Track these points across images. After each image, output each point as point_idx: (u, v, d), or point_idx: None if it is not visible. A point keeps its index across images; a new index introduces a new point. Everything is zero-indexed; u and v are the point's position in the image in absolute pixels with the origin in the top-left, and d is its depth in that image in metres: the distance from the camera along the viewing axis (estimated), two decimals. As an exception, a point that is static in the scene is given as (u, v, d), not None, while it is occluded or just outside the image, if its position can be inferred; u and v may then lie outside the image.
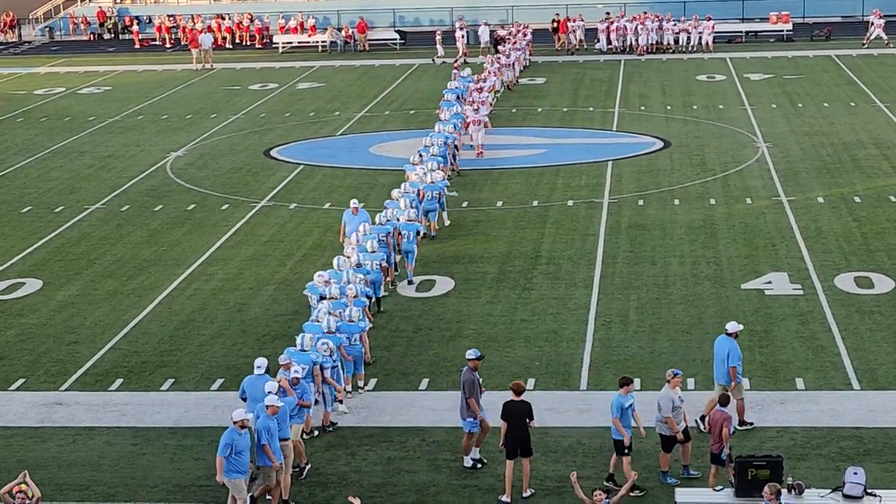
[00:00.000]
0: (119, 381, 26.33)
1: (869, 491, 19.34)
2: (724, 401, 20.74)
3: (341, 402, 24.41)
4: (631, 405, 20.98)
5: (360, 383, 25.33)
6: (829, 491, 19.55)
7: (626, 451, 20.90)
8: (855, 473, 19.43)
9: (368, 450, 22.82)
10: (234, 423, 19.96)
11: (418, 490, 21.25)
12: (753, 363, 25.76)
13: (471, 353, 22.28)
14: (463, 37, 67.74)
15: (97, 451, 23.24)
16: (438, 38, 69.65)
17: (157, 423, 24.29)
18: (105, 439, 23.70)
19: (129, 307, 30.87)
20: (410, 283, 31.75)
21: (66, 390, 26.05)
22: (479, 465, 21.95)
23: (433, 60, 68.18)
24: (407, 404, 24.70)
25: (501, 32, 66.77)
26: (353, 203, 32.28)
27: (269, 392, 21.16)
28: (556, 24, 71.58)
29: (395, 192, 34.11)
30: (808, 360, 26.00)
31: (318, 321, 24.89)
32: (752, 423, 23.11)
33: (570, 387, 25.23)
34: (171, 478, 22.05)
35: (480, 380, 22.24)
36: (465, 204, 38.55)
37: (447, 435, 23.23)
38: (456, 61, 63.41)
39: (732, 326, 23.40)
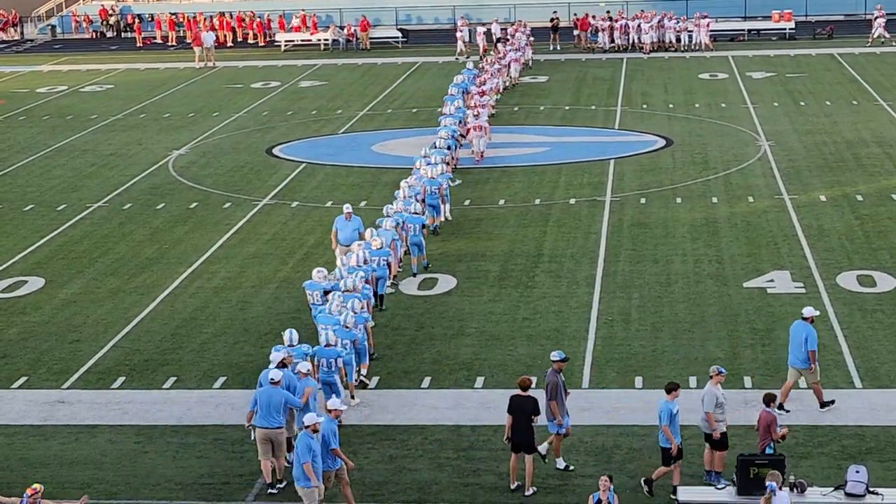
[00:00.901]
0: (121, 380, 26.36)
1: (871, 489, 19.37)
2: (768, 400, 20.64)
3: (353, 396, 24.53)
4: (678, 411, 20.81)
5: (364, 372, 25.44)
6: (832, 489, 19.57)
7: (673, 460, 20.66)
8: (857, 472, 19.45)
9: (371, 448, 22.83)
10: (307, 427, 19.66)
11: (420, 488, 21.27)
12: (755, 361, 25.79)
13: (555, 355, 21.86)
14: (485, 33, 67.54)
15: (99, 449, 23.26)
16: (459, 34, 69.33)
17: (160, 422, 24.31)
18: (107, 437, 23.72)
19: (131, 305, 30.90)
20: (426, 268, 32.21)
21: (68, 388, 26.07)
22: (545, 461, 21.67)
23: (457, 58, 67.81)
24: (409, 402, 24.71)
25: (510, 31, 66.30)
26: (347, 208, 31.65)
27: (272, 379, 21.42)
28: (555, 23, 71.45)
29: (403, 183, 34.30)
30: (811, 358, 25.97)
31: (332, 313, 25.13)
32: (833, 401, 23.56)
33: (572, 385, 25.15)
34: (173, 476, 22.07)
35: (564, 381, 21.87)
36: (467, 202, 38.56)
37: (449, 433, 23.26)
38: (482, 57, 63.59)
39: (809, 311, 23.74)
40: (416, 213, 32.43)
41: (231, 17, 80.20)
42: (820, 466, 21.31)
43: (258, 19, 79.64)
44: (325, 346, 23.84)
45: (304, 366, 22.45)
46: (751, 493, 19.36)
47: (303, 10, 78.42)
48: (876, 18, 68.21)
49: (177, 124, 53.50)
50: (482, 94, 48.19)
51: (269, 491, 21.50)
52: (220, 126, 52.70)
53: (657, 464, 21.53)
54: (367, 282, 27.45)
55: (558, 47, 70.76)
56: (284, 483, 21.63)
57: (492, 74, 53.28)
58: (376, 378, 25.75)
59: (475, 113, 44.19)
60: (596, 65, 65.37)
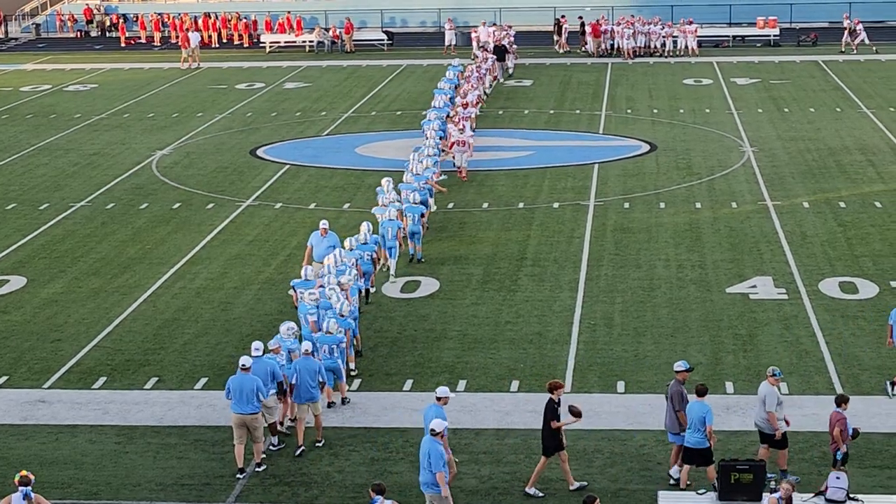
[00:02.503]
0: (102, 379, 26.28)
1: (851, 496, 19.39)
2: (839, 402, 20.72)
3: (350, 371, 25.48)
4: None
5: (352, 365, 25.76)
6: (812, 495, 19.59)
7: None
8: (837, 478, 19.48)
9: (352, 450, 22.81)
10: (436, 433, 19.59)
11: (401, 490, 21.22)
12: (737, 367, 25.81)
13: (679, 365, 21.56)
14: (497, 32, 67.12)
15: (80, 449, 23.19)
16: (475, 35, 68.89)
17: (141, 422, 24.24)
18: (88, 437, 23.65)
19: (113, 305, 30.82)
20: (420, 261, 32.89)
21: (49, 388, 25.98)
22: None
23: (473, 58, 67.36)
24: (391, 405, 24.69)
25: (504, 42, 63.91)
26: (323, 224, 30.47)
27: (243, 366, 22.01)
28: (558, 26, 71.33)
29: (407, 176, 35.35)
30: (792, 364, 26.04)
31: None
32: None
33: (554, 389, 25.21)
34: (153, 476, 22.01)
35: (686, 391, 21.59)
36: (450, 205, 38.53)
37: (431, 436, 23.22)
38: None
39: None
40: (415, 204, 33.13)
41: (216, 18, 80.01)
42: (801, 472, 21.31)
43: (244, 20, 79.51)
44: (326, 333, 24.39)
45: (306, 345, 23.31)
46: (732, 499, 19.36)
47: (288, 11, 78.35)
48: (852, 29, 68.44)
49: (160, 124, 53.39)
50: (465, 106, 46.27)
51: (238, 476, 21.88)
52: (203, 127, 52.61)
53: (639, 468, 21.57)
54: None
55: (567, 49, 70.22)
56: (264, 467, 22.08)
57: (473, 86, 51.51)
58: (358, 380, 25.72)
59: (459, 127, 42.19)
60: (581, 69, 65.41)
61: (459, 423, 23.72)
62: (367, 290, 29.91)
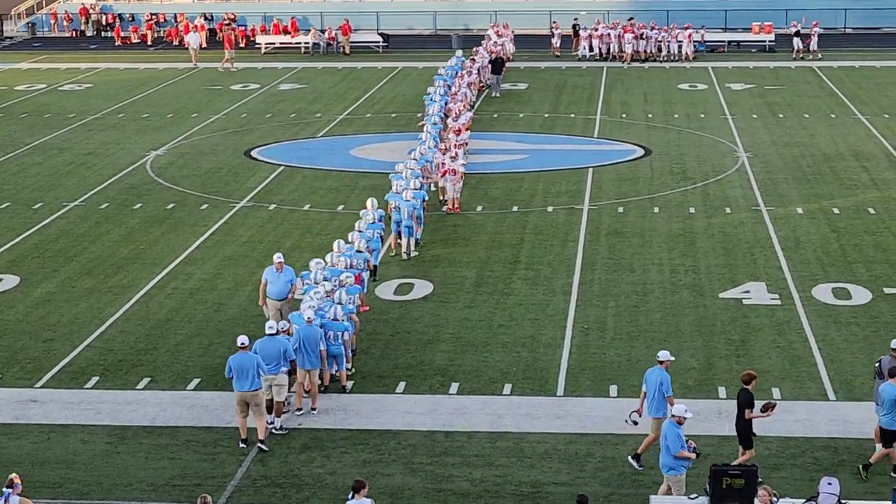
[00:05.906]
0: (95, 379, 26.25)
1: (843, 502, 19.38)
2: None
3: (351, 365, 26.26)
4: None
5: (348, 365, 25.95)
6: (803, 501, 19.56)
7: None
8: (829, 484, 19.46)
9: (344, 452, 22.80)
10: (673, 416, 20.03)
11: (393, 493, 21.23)
12: (730, 372, 25.82)
13: None
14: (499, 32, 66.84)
15: (71, 448, 23.16)
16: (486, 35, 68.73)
17: (133, 422, 24.22)
18: (80, 437, 23.62)
19: (106, 305, 30.79)
20: (419, 244, 34.11)
21: (41, 387, 25.95)
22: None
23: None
24: (383, 407, 24.68)
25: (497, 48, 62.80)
26: (278, 258, 28.05)
27: (242, 344, 22.84)
28: (575, 29, 71.47)
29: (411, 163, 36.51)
30: (785, 369, 26.06)
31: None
32: None
33: (547, 392, 25.24)
34: (145, 477, 21.99)
35: None
36: (445, 208, 38.51)
37: (423, 438, 23.23)
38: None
39: None
40: (415, 189, 34.03)
41: (203, 19, 79.82)
42: (792, 478, 21.36)
43: (240, 27, 79.28)
44: (333, 319, 25.02)
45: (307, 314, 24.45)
46: (723, 504, 19.38)
47: (283, 13, 78.24)
48: (797, 34, 68.77)
49: (155, 125, 53.35)
50: (458, 132, 42.64)
51: (241, 445, 22.68)
52: (198, 127, 52.57)
53: (630, 472, 21.59)
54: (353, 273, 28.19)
55: (587, 55, 69.93)
56: (267, 450, 22.73)
57: (465, 105, 48.24)
58: (350, 382, 25.71)
59: (452, 154, 38.27)
60: (576, 73, 65.46)
61: (452, 425, 23.72)
62: (375, 267, 30.90)
